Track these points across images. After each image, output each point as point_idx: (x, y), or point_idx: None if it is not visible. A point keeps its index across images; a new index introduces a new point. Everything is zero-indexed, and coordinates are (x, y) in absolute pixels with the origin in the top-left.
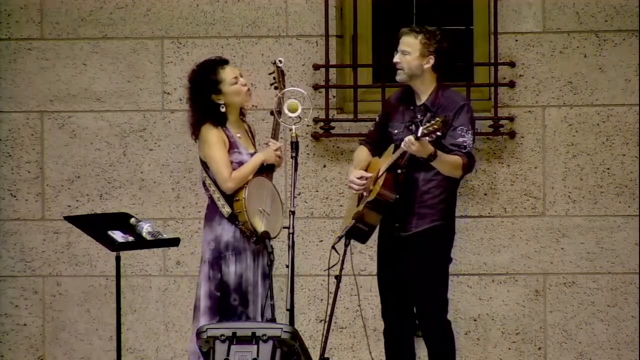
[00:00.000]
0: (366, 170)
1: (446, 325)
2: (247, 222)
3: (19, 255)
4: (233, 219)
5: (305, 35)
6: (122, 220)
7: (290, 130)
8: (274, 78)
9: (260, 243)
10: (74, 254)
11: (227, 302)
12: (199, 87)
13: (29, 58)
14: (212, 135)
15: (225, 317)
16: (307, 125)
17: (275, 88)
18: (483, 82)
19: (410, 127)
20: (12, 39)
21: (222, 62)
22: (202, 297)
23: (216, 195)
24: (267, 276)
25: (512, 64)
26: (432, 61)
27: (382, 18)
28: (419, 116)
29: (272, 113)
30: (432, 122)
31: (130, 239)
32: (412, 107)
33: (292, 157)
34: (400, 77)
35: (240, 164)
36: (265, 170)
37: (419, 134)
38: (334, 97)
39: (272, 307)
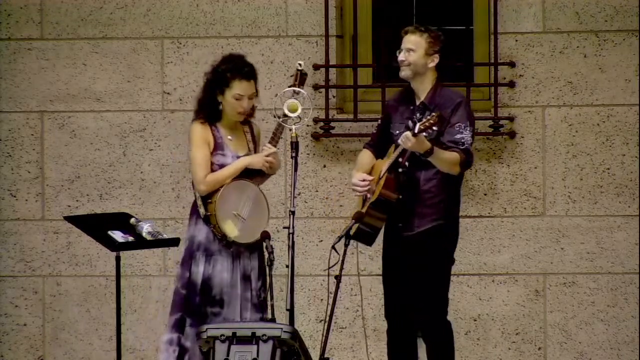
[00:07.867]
0: (370, 173)
1: (446, 326)
2: (217, 225)
3: (19, 255)
4: (207, 220)
5: (305, 35)
6: (122, 220)
7: (290, 130)
8: (294, 81)
9: (230, 247)
10: (74, 254)
11: (191, 301)
12: (217, 74)
13: (29, 58)
14: (196, 134)
15: (189, 315)
16: (307, 125)
17: (294, 92)
18: (483, 82)
19: (408, 125)
20: (12, 39)
21: (249, 76)
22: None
23: (196, 195)
24: (249, 278)
25: (512, 64)
26: (436, 60)
27: (382, 18)
28: (418, 114)
29: (275, 116)
30: (428, 117)
31: (130, 239)
32: (411, 107)
33: (292, 157)
34: (404, 73)
35: (222, 166)
36: (255, 174)
37: (416, 130)
38: (334, 97)
39: (272, 307)
